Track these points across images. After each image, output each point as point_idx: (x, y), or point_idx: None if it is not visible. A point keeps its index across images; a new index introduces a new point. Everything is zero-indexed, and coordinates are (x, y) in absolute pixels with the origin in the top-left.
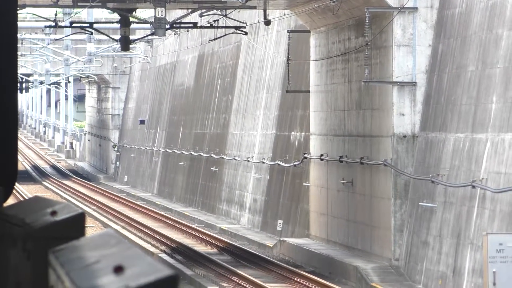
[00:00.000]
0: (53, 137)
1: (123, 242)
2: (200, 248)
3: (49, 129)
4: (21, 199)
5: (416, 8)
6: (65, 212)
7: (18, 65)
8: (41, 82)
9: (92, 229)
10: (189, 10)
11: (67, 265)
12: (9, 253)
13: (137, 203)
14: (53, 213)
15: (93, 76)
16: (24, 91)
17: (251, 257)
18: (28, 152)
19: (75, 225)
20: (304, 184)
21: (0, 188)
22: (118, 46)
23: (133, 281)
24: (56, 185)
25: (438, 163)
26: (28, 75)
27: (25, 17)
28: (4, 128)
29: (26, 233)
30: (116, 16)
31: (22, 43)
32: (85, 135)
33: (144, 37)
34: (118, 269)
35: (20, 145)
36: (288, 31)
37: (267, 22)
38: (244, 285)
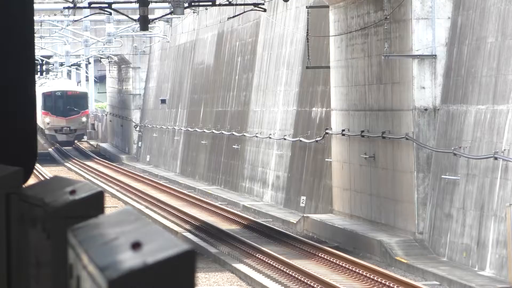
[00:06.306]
0: None
1: (141, 219)
2: (224, 226)
3: None
4: None
5: None
6: (84, 191)
7: (37, 47)
8: (61, 64)
9: (115, 209)
10: None
11: (85, 242)
12: (29, 233)
13: (160, 182)
14: (72, 192)
15: (113, 56)
16: (44, 73)
17: (275, 234)
18: None
19: (94, 204)
20: (326, 159)
21: (20, 169)
22: (137, 26)
23: (151, 257)
24: (79, 166)
25: (460, 136)
26: (48, 57)
27: None
28: (22, 109)
29: (46, 212)
30: None
31: (41, 25)
32: (106, 116)
33: (163, 16)
34: (136, 246)
35: None
36: (306, 7)
37: None
38: (269, 262)
